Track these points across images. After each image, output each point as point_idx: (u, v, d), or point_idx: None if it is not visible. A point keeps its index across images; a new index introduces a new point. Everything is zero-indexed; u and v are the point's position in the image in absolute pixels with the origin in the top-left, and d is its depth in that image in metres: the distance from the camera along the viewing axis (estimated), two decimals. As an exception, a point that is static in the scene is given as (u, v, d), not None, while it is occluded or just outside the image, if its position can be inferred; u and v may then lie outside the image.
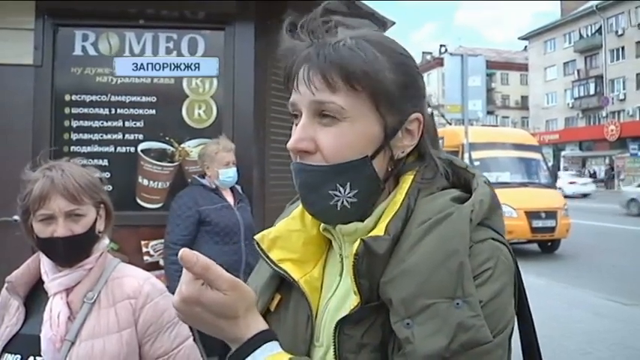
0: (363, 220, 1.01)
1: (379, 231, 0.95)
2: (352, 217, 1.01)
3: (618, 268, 11.17)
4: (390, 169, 1.02)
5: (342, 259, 1.05)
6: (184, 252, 0.90)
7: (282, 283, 1.06)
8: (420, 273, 0.88)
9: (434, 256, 0.89)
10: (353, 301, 0.95)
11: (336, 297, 1.03)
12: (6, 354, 1.76)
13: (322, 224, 1.08)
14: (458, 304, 0.85)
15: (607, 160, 46.12)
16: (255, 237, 1.09)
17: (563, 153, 51.93)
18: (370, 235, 0.95)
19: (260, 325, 0.96)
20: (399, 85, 0.99)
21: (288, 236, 1.08)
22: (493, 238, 0.95)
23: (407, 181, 1.02)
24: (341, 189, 0.98)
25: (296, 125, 1.02)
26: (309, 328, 1.02)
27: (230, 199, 3.98)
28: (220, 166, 3.90)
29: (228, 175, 3.91)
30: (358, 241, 0.93)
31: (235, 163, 3.94)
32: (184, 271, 0.92)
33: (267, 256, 1.06)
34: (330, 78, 0.95)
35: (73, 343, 1.73)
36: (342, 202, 0.98)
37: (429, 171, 1.04)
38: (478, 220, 0.94)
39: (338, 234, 1.04)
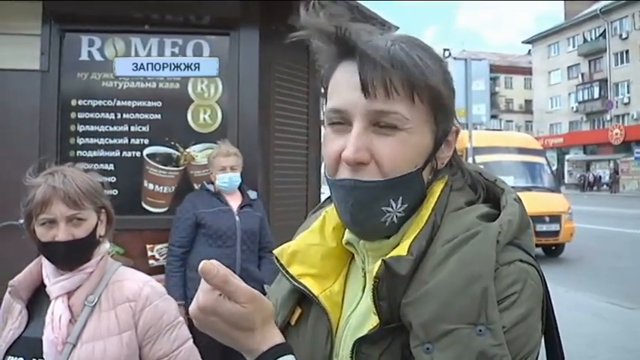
0: (389, 237, 0.97)
1: (402, 250, 0.91)
2: (394, 231, 0.97)
3: (620, 272, 11.13)
4: (429, 179, 0.99)
5: (364, 273, 1.01)
6: (205, 264, 0.87)
7: (303, 297, 1.03)
8: (442, 297, 0.85)
9: (457, 280, 0.85)
10: (372, 321, 0.92)
11: (358, 313, 0.99)
12: (9, 357, 1.78)
13: (345, 238, 1.04)
14: (480, 330, 0.82)
15: (611, 164, 45.94)
16: (274, 251, 1.07)
17: (567, 157, 51.78)
18: (392, 255, 0.91)
19: (276, 338, 0.94)
20: (449, 96, 0.97)
21: (306, 250, 1.05)
22: (521, 260, 0.91)
23: (434, 194, 0.98)
24: (393, 204, 0.94)
25: (336, 133, 0.96)
26: (328, 343, 0.99)
27: (235, 203, 3.97)
28: (217, 171, 3.94)
29: (223, 180, 3.92)
30: (379, 261, 0.90)
31: (235, 168, 3.92)
32: (202, 281, 0.90)
33: (287, 272, 1.03)
34: (393, 86, 0.90)
35: (74, 346, 1.75)
36: (392, 217, 0.94)
37: (458, 182, 1.01)
38: (506, 242, 0.91)
39: (362, 248, 1.00)
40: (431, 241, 0.92)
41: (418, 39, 0.98)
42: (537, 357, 0.90)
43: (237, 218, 3.90)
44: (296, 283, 1.02)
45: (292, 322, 1.04)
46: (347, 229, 1.04)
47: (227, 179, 3.92)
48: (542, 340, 0.95)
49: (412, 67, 0.90)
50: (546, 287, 0.94)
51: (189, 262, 3.87)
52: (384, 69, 0.89)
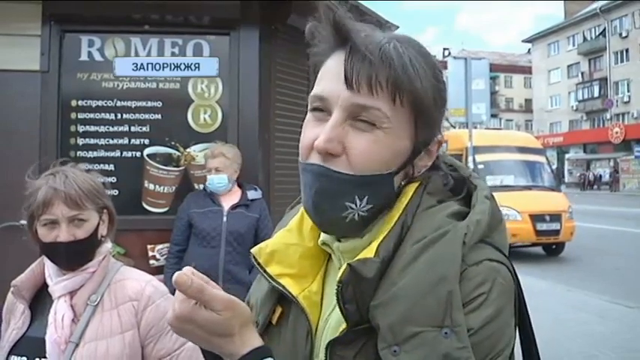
0: (362, 237, 0.97)
1: (370, 252, 0.91)
2: (357, 230, 0.97)
3: (622, 271, 11.13)
4: (401, 185, 0.98)
5: None
6: (178, 276, 0.88)
7: (282, 297, 1.03)
8: (408, 299, 0.85)
9: (423, 282, 0.85)
10: (343, 323, 0.92)
11: (336, 313, 0.97)
12: (12, 356, 1.79)
13: (321, 239, 1.04)
14: (446, 333, 0.82)
15: (611, 163, 45.96)
16: (252, 250, 1.06)
17: (567, 156, 51.83)
18: (359, 257, 0.90)
19: (255, 341, 0.94)
20: (436, 104, 0.95)
21: (284, 250, 1.04)
22: (490, 259, 0.90)
23: (407, 194, 0.97)
24: (358, 202, 0.92)
25: (316, 120, 0.95)
26: (308, 343, 0.98)
27: (227, 203, 3.95)
28: (206, 172, 3.99)
29: (209, 181, 3.95)
30: (344, 266, 0.90)
31: (220, 170, 3.90)
32: (177, 291, 0.90)
33: (265, 271, 1.03)
34: (378, 82, 0.89)
35: (77, 345, 1.76)
36: (354, 215, 0.93)
37: (434, 182, 1.00)
38: (473, 242, 0.90)
39: (337, 250, 1.00)
40: (401, 242, 0.92)
41: (419, 43, 0.97)
42: (512, 352, 0.91)
43: (224, 219, 3.88)
44: (274, 283, 1.01)
45: (274, 322, 1.04)
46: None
47: (211, 181, 3.94)
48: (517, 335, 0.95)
49: (400, 68, 0.89)
50: (518, 283, 0.94)
51: (183, 261, 3.91)
52: (371, 64, 0.88)
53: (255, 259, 1.05)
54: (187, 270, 0.90)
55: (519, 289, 0.94)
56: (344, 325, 0.91)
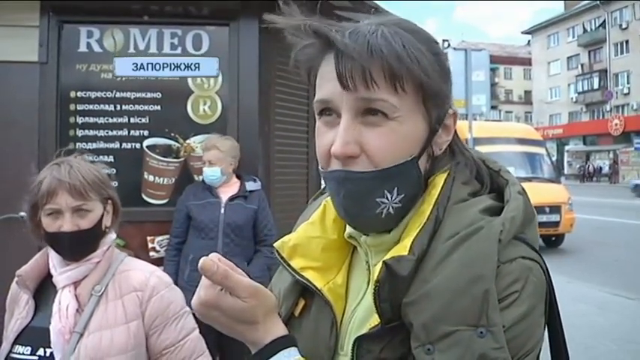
0: (389, 231, 0.96)
1: (403, 249, 0.89)
2: (393, 223, 0.95)
3: (622, 263, 11.17)
4: (428, 168, 0.97)
5: (368, 266, 1.00)
6: (204, 261, 0.88)
7: (306, 289, 1.02)
8: (442, 297, 0.83)
9: (458, 280, 0.84)
10: (373, 319, 0.91)
11: (363, 306, 0.97)
12: (17, 346, 1.79)
13: (347, 232, 1.03)
14: (482, 332, 0.81)
15: (611, 155, 46.00)
16: (275, 245, 1.05)
17: (566, 147, 51.85)
18: (393, 255, 0.88)
19: (280, 330, 0.95)
20: (441, 77, 0.93)
21: (307, 244, 1.03)
22: (523, 257, 0.88)
23: (437, 186, 0.95)
24: (388, 195, 0.91)
25: (327, 126, 0.93)
26: (333, 336, 0.98)
27: (225, 195, 3.95)
28: (202, 164, 4.01)
29: (204, 174, 3.98)
30: (380, 264, 0.88)
31: (213, 162, 3.90)
32: (203, 277, 0.90)
33: (289, 265, 1.02)
34: (372, 78, 0.87)
35: (81, 335, 1.76)
36: (388, 209, 0.92)
37: (462, 172, 0.99)
38: (508, 239, 0.88)
39: (364, 243, 0.99)
40: (432, 237, 0.90)
41: (407, 21, 0.95)
42: (540, 352, 0.89)
43: (222, 211, 3.89)
44: (299, 277, 1.01)
45: (296, 314, 1.03)
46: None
47: (205, 174, 3.97)
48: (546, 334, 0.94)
49: (392, 57, 0.86)
50: (550, 281, 0.92)
51: (182, 252, 3.94)
52: (362, 60, 0.86)
53: (279, 253, 1.04)
54: (213, 256, 0.90)
55: (551, 288, 0.93)
56: (375, 321, 0.90)
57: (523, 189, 0.97)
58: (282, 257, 1.03)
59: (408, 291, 0.87)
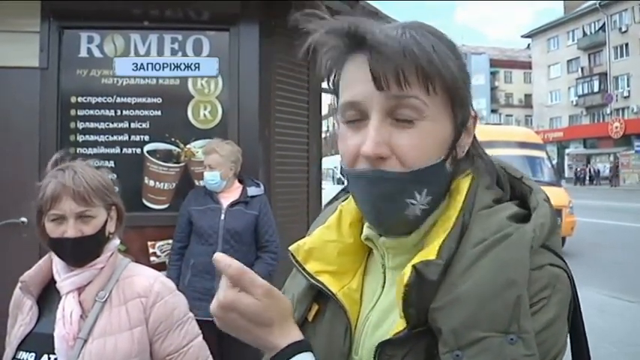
0: (409, 234, 0.96)
1: (431, 253, 0.88)
2: (417, 225, 0.95)
3: (622, 266, 11.15)
4: (451, 171, 0.96)
5: (384, 270, 1.00)
6: (218, 254, 0.89)
7: (320, 293, 1.02)
8: (473, 302, 0.82)
9: (489, 285, 0.82)
10: (398, 324, 0.89)
11: (378, 310, 0.97)
12: (21, 352, 1.78)
13: (364, 234, 1.02)
14: (512, 339, 0.79)
15: (611, 158, 45.97)
16: (290, 248, 1.05)
17: (567, 151, 51.82)
18: (421, 259, 0.87)
19: (295, 335, 0.93)
20: (464, 82, 0.93)
21: (323, 247, 1.03)
22: (552, 264, 0.88)
23: (462, 192, 0.95)
24: (417, 196, 0.90)
25: (353, 130, 0.92)
26: (347, 340, 0.97)
27: (226, 201, 3.94)
28: (202, 169, 4.01)
29: (204, 179, 3.97)
30: (409, 268, 0.86)
31: (213, 167, 3.89)
32: (223, 277, 0.90)
33: (304, 269, 1.02)
34: (405, 78, 0.86)
35: (85, 341, 1.75)
36: (416, 210, 0.92)
37: (484, 177, 0.99)
38: (538, 246, 0.88)
39: (381, 245, 0.99)
40: (459, 242, 0.89)
41: (430, 25, 0.94)
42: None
43: (222, 217, 3.87)
44: (314, 281, 1.00)
45: (310, 319, 1.02)
46: (365, 225, 1.02)
47: (205, 178, 3.96)
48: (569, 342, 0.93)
49: (423, 58, 0.86)
50: (575, 290, 0.92)
51: (184, 257, 3.94)
52: (396, 61, 0.86)
53: (294, 257, 1.04)
54: (223, 255, 0.90)
55: (575, 296, 0.92)
56: (400, 327, 0.88)
57: (547, 197, 0.97)
58: (297, 261, 1.03)
59: (435, 296, 0.86)
